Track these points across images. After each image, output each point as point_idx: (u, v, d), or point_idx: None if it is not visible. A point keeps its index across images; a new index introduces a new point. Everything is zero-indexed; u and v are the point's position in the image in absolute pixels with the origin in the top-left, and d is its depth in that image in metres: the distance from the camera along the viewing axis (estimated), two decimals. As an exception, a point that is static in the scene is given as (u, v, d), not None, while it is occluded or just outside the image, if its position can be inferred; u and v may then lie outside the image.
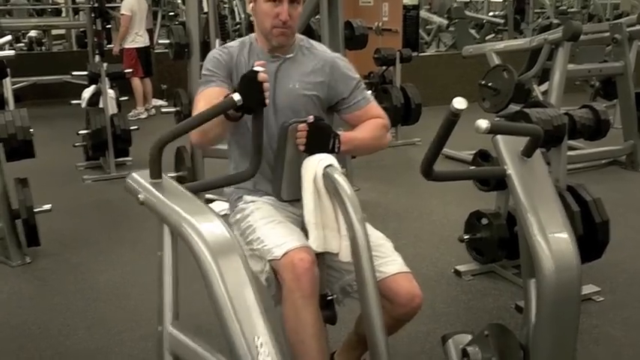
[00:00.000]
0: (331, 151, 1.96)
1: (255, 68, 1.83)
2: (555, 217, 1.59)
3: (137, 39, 7.92)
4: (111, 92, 5.56)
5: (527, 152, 1.62)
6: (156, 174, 1.65)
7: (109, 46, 10.01)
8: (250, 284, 1.43)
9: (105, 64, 5.47)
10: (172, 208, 1.56)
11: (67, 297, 3.37)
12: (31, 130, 3.67)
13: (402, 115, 6.41)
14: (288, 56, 2.17)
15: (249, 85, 1.81)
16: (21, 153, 3.68)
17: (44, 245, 3.88)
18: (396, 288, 1.97)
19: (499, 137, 1.67)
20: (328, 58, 2.23)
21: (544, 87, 5.23)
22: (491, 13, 13.12)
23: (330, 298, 2.06)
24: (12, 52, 3.83)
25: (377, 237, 2.07)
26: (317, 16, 5.48)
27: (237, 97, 1.74)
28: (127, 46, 7.88)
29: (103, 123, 5.28)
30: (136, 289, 3.44)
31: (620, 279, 3.57)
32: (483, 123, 1.47)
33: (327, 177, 1.84)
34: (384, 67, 6.67)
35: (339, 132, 2.04)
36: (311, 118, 1.97)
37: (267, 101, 1.85)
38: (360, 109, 2.22)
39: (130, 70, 6.28)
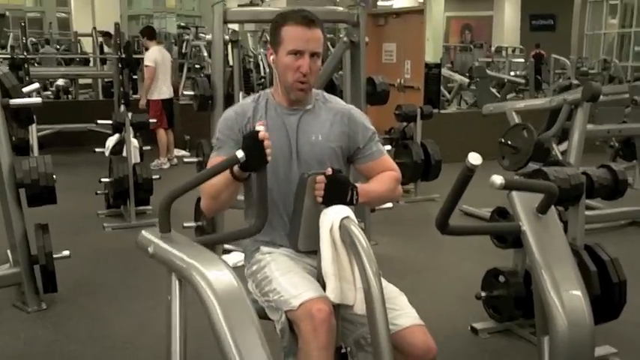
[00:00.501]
0: (349, 203, 1.98)
1: (257, 128, 1.92)
2: (569, 275, 1.59)
3: (162, 90, 8.07)
4: (134, 141, 5.65)
5: (542, 209, 1.64)
6: (165, 228, 1.71)
7: (134, 96, 10.26)
8: (257, 333, 1.44)
9: (130, 114, 5.59)
10: (180, 257, 1.62)
11: (82, 344, 3.38)
12: (54, 176, 3.73)
13: (422, 171, 6.43)
14: (307, 108, 2.22)
15: (251, 143, 1.89)
16: (43, 199, 3.73)
17: (61, 291, 3.90)
18: (410, 340, 1.96)
19: (514, 194, 1.69)
20: (345, 109, 2.29)
21: (563, 146, 5.25)
22: (512, 73, 13.25)
23: (344, 351, 2.05)
24: (39, 100, 3.91)
25: (391, 290, 2.07)
26: (340, 72, 5.60)
27: (240, 154, 1.83)
28: (153, 97, 8.02)
29: (125, 172, 5.36)
30: (152, 339, 3.43)
31: (639, 341, 3.50)
32: (498, 179, 1.49)
33: (344, 229, 1.86)
34: (404, 123, 6.73)
35: (356, 184, 2.07)
36: (329, 171, 2.00)
37: (268, 158, 1.92)
38: (374, 160, 2.26)
39: (155, 120, 6.40)
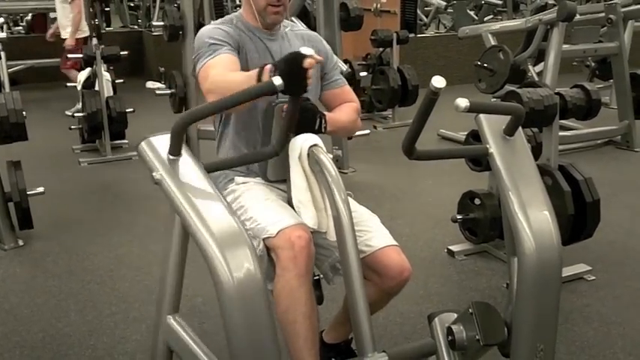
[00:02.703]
0: (317, 131, 1.96)
1: (304, 51, 1.68)
2: (536, 196, 1.59)
3: (84, 28, 6.89)
4: (106, 75, 5.55)
5: (510, 131, 1.62)
6: (176, 151, 1.58)
7: (108, 28, 9.99)
8: (261, 287, 1.42)
9: (101, 47, 5.45)
10: (186, 205, 1.49)
11: (60, 280, 3.39)
12: (24, 112, 3.66)
13: (399, 96, 6.39)
14: (280, 32, 2.19)
15: (295, 69, 1.66)
16: (13, 136, 3.67)
17: (37, 228, 3.89)
18: (385, 261, 1.98)
19: (482, 116, 1.67)
20: (312, 34, 2.29)
21: (539, 67, 5.21)
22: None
23: (316, 277, 2.07)
24: (2, 35, 3.80)
25: (363, 213, 2.08)
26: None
27: (278, 81, 1.57)
28: (77, 36, 7.03)
29: (98, 106, 5.27)
30: (130, 272, 3.45)
31: (613, 258, 3.58)
32: (462, 102, 1.47)
33: (312, 157, 1.84)
34: (381, 49, 6.63)
35: (325, 113, 2.04)
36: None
37: (309, 88, 1.73)
38: (337, 88, 2.26)
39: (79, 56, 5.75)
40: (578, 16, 5.65)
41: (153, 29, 9.58)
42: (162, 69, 8.60)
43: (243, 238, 1.47)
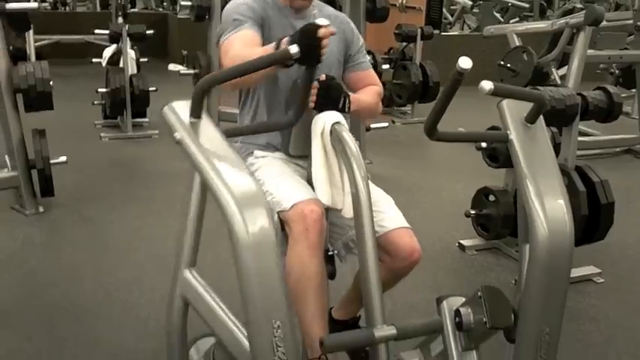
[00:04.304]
0: (341, 110, 1.99)
1: (319, 21, 1.71)
2: (553, 184, 1.62)
3: None
4: (131, 52, 5.61)
5: (531, 119, 1.65)
6: (196, 113, 1.61)
7: (132, 9, 10.07)
8: (274, 242, 1.48)
9: (127, 25, 5.52)
10: (205, 164, 1.54)
11: (77, 247, 3.46)
12: (51, 82, 3.73)
13: (420, 92, 6.41)
14: (307, 12, 2.21)
15: (310, 38, 1.69)
16: (39, 104, 3.74)
17: (58, 197, 3.97)
18: (396, 242, 2.02)
19: (504, 102, 1.70)
20: (340, 15, 2.32)
21: (563, 71, 5.22)
22: (519, -2, 12.97)
23: (330, 253, 2.11)
24: (35, 5, 3.87)
25: (379, 193, 2.12)
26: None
27: (294, 49, 1.57)
28: None
29: (122, 82, 5.33)
30: (145, 243, 3.52)
31: (624, 263, 3.59)
32: (487, 84, 1.50)
33: (335, 134, 1.88)
34: (404, 44, 6.65)
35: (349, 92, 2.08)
36: (323, 77, 2.00)
37: (322, 58, 1.75)
38: (362, 71, 2.29)
39: None
40: (605, 22, 5.65)
41: (178, 12, 9.67)
42: (186, 52, 8.66)
43: (260, 195, 1.51)
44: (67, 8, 10.89)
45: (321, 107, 1.96)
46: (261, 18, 2.13)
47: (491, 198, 3.58)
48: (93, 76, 6.67)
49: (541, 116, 1.67)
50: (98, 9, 10.42)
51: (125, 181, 4.55)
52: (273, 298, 1.45)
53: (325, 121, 1.92)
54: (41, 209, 3.88)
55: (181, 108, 1.66)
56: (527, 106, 1.70)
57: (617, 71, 6.33)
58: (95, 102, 5.71)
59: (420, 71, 6.34)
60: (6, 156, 4.03)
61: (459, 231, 3.82)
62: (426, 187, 4.72)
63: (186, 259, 1.68)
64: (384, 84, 6.56)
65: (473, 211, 3.63)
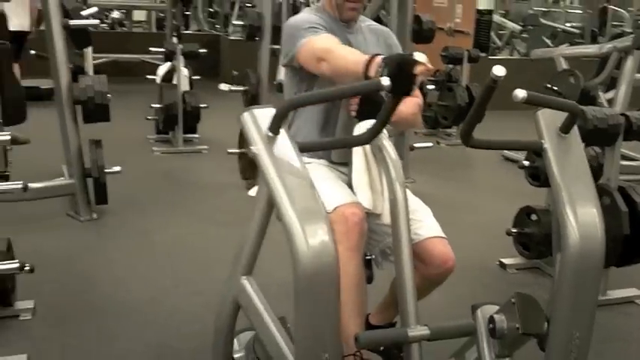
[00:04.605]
0: (382, 120, 2.07)
1: (417, 56, 1.69)
2: (585, 193, 1.66)
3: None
4: (184, 70, 5.80)
5: (565, 128, 1.71)
6: (275, 130, 1.65)
7: (185, 32, 10.36)
8: (334, 258, 1.56)
9: (181, 44, 5.72)
10: (276, 180, 1.60)
11: (126, 252, 3.62)
12: (109, 95, 3.91)
13: (465, 114, 6.43)
14: (356, 26, 2.33)
15: (405, 72, 1.66)
16: (97, 116, 3.93)
17: (111, 205, 4.14)
18: (431, 250, 2.09)
19: (540, 113, 1.76)
20: (384, 29, 2.42)
21: (610, 95, 5.20)
22: (568, 24, 12.91)
23: (368, 258, 2.18)
24: (97, 21, 4.10)
25: (416, 202, 2.19)
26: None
27: (386, 82, 1.56)
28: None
29: (175, 98, 5.52)
30: (190, 252, 3.65)
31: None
32: (521, 92, 1.56)
33: (375, 141, 1.96)
34: (451, 66, 6.71)
35: None
36: None
37: (412, 93, 1.74)
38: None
39: None
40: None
41: (230, 33, 9.92)
42: (236, 73, 8.87)
43: (322, 214, 1.59)
44: (124, 28, 11.29)
45: (362, 116, 2.05)
46: (331, 29, 2.23)
47: (533, 217, 3.60)
48: (147, 93, 6.90)
49: (575, 127, 1.72)
50: (154, 30, 10.76)
51: (174, 192, 4.71)
52: (328, 322, 1.55)
53: (366, 129, 2.00)
54: (95, 216, 4.05)
55: (261, 118, 1.68)
56: (562, 117, 1.75)
57: (666, 96, 6.25)
58: (149, 117, 5.92)
59: (465, 93, 6.38)
60: (63, 165, 4.24)
61: (500, 249, 3.84)
62: (469, 206, 4.75)
63: (243, 266, 1.76)
64: (429, 105, 6.68)
65: (514, 230, 3.65)
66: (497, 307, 2.01)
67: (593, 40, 11.33)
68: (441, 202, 4.81)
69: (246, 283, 1.75)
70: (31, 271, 2.73)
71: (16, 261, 2.66)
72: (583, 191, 1.67)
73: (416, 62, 1.66)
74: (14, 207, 3.85)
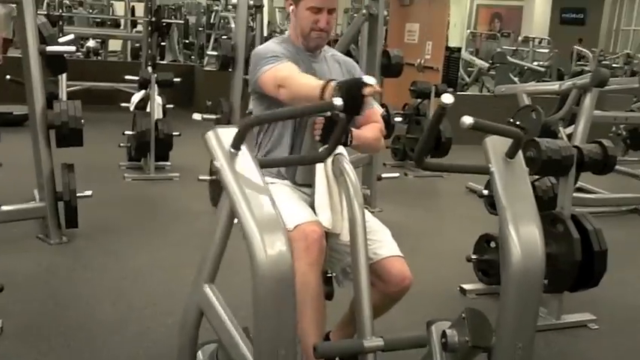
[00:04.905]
0: (343, 144, 2.21)
1: (366, 79, 1.88)
2: (528, 213, 1.80)
3: None
4: (158, 99, 5.90)
5: (510, 154, 1.85)
6: (237, 146, 1.80)
7: (160, 62, 10.49)
8: (290, 266, 1.70)
9: (156, 73, 5.84)
10: (237, 192, 1.74)
11: (97, 275, 3.67)
12: (82, 120, 4.00)
13: (433, 148, 6.60)
14: (321, 55, 2.48)
15: (355, 93, 1.85)
16: (71, 140, 4.01)
17: (82, 229, 4.19)
18: (389, 268, 2.21)
19: (488, 140, 1.90)
20: (347, 60, 2.56)
21: (570, 130, 5.42)
22: (535, 63, 13.31)
23: (329, 275, 2.30)
24: (73, 48, 4.20)
25: (376, 223, 2.31)
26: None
27: (338, 102, 1.73)
28: None
29: (148, 126, 5.61)
30: (161, 274, 3.71)
31: (620, 313, 3.70)
32: (468, 119, 1.70)
33: (337, 163, 2.09)
34: (419, 100, 6.90)
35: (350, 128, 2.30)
36: (328, 113, 2.22)
37: (363, 113, 1.96)
38: (367, 109, 2.48)
39: None
40: (616, 85, 5.89)
41: (205, 64, 10.07)
42: (210, 102, 8.99)
43: (280, 225, 1.73)
44: (99, 58, 11.39)
45: (325, 139, 2.17)
46: (294, 58, 2.37)
47: (492, 244, 3.74)
48: (120, 122, 6.98)
49: (520, 152, 1.87)
50: (129, 59, 10.87)
51: (145, 217, 4.78)
52: (284, 324, 1.67)
53: (328, 152, 2.13)
54: (65, 239, 4.09)
55: (224, 136, 1.84)
56: (508, 143, 1.89)
57: (624, 132, 6.52)
58: (121, 144, 6.00)
59: (433, 127, 6.56)
60: (35, 191, 4.30)
61: (461, 275, 3.96)
62: (433, 234, 4.89)
63: (206, 274, 1.89)
64: (398, 138, 6.84)
65: (474, 256, 3.78)
66: (449, 323, 2.13)
67: (560, 78, 11.69)
68: (406, 230, 4.96)
69: (209, 290, 1.86)
70: (1, 290, 2.79)
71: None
72: (525, 212, 1.80)
73: (365, 84, 1.84)
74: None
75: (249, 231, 1.64)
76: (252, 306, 1.68)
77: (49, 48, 3.97)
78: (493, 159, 1.85)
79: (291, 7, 2.43)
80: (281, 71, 2.26)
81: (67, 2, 14.52)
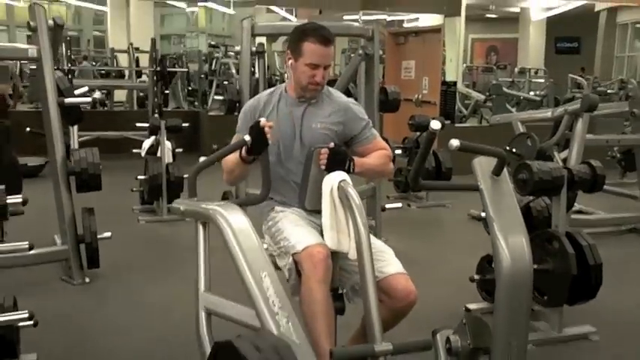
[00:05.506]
0: (347, 171, 2.45)
1: (261, 120, 2.42)
2: (514, 224, 2.01)
3: None
4: (168, 144, 6.17)
5: (496, 171, 2.06)
6: (192, 194, 2.28)
7: (165, 109, 10.82)
8: (261, 251, 2.10)
9: (165, 119, 6.12)
10: (204, 207, 2.31)
11: (120, 310, 3.89)
12: (101, 166, 4.25)
13: (434, 178, 6.82)
14: (312, 101, 2.71)
15: (256, 130, 2.39)
16: (90, 186, 4.25)
17: (102, 269, 4.41)
18: (395, 285, 2.42)
19: (476, 160, 2.12)
20: (343, 102, 2.77)
21: (564, 154, 5.64)
22: (532, 93, 13.59)
23: (340, 292, 2.51)
24: (89, 99, 4.46)
25: (380, 244, 2.53)
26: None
27: (247, 137, 2.38)
28: None
29: (159, 169, 5.87)
30: (183, 305, 3.84)
31: (619, 326, 3.86)
32: (455, 142, 1.93)
33: (342, 189, 2.31)
34: (418, 133, 7.14)
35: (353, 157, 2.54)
36: (332, 144, 2.47)
37: (269, 142, 2.42)
38: (369, 143, 2.73)
39: None
40: (608, 110, 6.14)
41: (208, 109, 10.39)
42: (216, 146, 9.26)
43: (239, 210, 2.29)
44: (106, 108, 11.72)
45: (330, 168, 2.41)
46: (254, 116, 2.69)
47: (494, 265, 3.93)
48: (129, 168, 7.25)
49: (505, 170, 2.09)
50: (135, 108, 11.20)
51: (160, 256, 5.00)
52: (256, 257, 2.10)
53: (333, 179, 2.37)
54: (87, 280, 4.31)
55: (182, 199, 2.54)
56: (494, 163, 2.12)
57: (618, 155, 6.74)
58: (134, 189, 6.24)
59: (433, 158, 6.79)
60: (55, 235, 4.52)
61: (467, 296, 4.15)
62: (436, 260, 5.08)
63: (202, 284, 2.36)
64: (400, 170, 7.05)
65: (477, 277, 3.97)
66: (453, 330, 2.33)
67: (556, 107, 11.96)
68: (412, 257, 5.12)
69: (209, 294, 2.34)
70: (35, 324, 3.00)
71: (26, 311, 2.92)
72: (512, 222, 2.02)
73: (259, 121, 2.41)
74: (10, 274, 4.12)
75: (217, 218, 2.28)
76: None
77: (67, 100, 4.24)
78: (481, 177, 2.07)
79: (291, 62, 2.68)
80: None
81: (72, 56, 14.99)
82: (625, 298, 4.26)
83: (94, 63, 16.10)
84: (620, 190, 6.68)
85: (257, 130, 2.39)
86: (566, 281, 3.46)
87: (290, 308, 2.07)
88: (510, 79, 14.84)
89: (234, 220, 2.15)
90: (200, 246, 2.42)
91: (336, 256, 2.44)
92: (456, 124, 9.56)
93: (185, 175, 5.98)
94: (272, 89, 2.82)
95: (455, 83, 10.59)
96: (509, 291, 1.95)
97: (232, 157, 2.55)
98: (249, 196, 2.67)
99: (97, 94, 11.88)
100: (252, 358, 1.68)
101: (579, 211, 6.14)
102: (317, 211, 2.54)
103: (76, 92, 4.60)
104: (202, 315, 2.32)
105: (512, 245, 1.96)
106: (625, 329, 3.83)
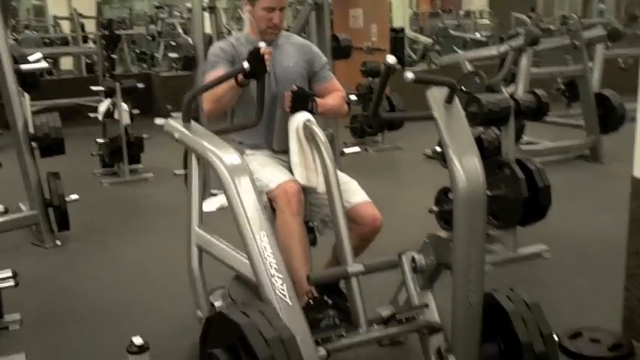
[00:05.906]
0: (310, 111, 2.59)
1: (260, 44, 2.42)
2: (468, 147, 2.17)
3: None
4: (124, 106, 6.18)
5: (448, 99, 2.22)
6: (186, 119, 2.31)
7: (114, 73, 10.72)
8: (255, 194, 2.15)
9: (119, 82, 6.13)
10: (200, 143, 2.28)
11: (98, 269, 4.01)
12: (62, 130, 4.29)
13: (389, 122, 7.00)
14: (278, 43, 2.83)
15: (255, 56, 2.38)
16: (53, 150, 4.31)
17: (72, 231, 4.49)
18: (362, 213, 2.60)
19: (429, 91, 2.26)
20: (304, 42, 2.96)
21: (512, 89, 5.87)
22: (477, 34, 13.81)
23: (311, 225, 2.68)
24: (45, 65, 4.47)
25: (344, 176, 2.71)
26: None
27: (246, 64, 2.33)
28: None
29: (118, 132, 5.90)
30: (155, 262, 4.05)
31: (569, 243, 4.15)
32: (410, 74, 2.07)
33: (307, 127, 2.46)
34: (370, 79, 7.28)
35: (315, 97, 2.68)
36: (294, 87, 2.61)
37: (268, 69, 2.44)
38: (327, 82, 2.90)
39: None
40: (550, 44, 6.36)
41: (159, 71, 10.35)
42: (170, 107, 9.25)
43: (244, 165, 2.24)
44: (53, 77, 11.53)
45: (294, 109, 2.55)
46: (231, 56, 2.76)
47: (451, 195, 4.14)
48: (86, 134, 7.25)
49: (456, 98, 2.25)
50: (84, 74, 11.06)
51: (128, 216, 5.10)
52: (253, 210, 2.15)
53: (299, 119, 2.51)
54: (59, 243, 4.39)
55: (175, 121, 2.46)
56: (446, 91, 2.27)
57: (562, 86, 7.01)
58: (93, 153, 6.27)
59: (386, 102, 6.95)
60: (20, 203, 4.57)
61: (426, 227, 4.35)
62: (398, 197, 5.30)
63: (195, 218, 2.40)
64: (355, 117, 7.20)
65: (436, 208, 4.18)
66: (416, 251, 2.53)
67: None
68: (373, 197, 5.19)
69: (201, 230, 2.39)
70: (16, 284, 3.10)
71: (8, 270, 3.01)
72: (465, 145, 2.18)
73: (259, 47, 2.40)
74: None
75: (216, 164, 2.25)
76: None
77: (24, 66, 4.25)
78: (435, 106, 2.23)
79: (248, 7, 2.79)
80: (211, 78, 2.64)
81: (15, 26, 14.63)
82: (573, 217, 4.55)
83: (35, 32, 15.73)
84: (566, 121, 6.97)
85: (257, 56, 2.37)
86: (518, 204, 3.70)
87: (285, 270, 2.16)
88: (456, 23, 15.03)
89: (233, 168, 2.19)
90: (193, 180, 2.45)
91: (305, 191, 2.59)
92: (407, 69, 9.72)
93: (144, 136, 6.06)
94: (230, 37, 2.92)
95: (403, 29, 10.74)
96: (466, 206, 2.13)
97: (222, 85, 2.54)
98: (242, 121, 2.71)
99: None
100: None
101: (529, 143, 6.41)
102: (284, 151, 2.69)
103: (30, 59, 4.59)
104: (194, 250, 2.44)
105: (466, 165, 2.12)
106: (575, 246, 4.11)
